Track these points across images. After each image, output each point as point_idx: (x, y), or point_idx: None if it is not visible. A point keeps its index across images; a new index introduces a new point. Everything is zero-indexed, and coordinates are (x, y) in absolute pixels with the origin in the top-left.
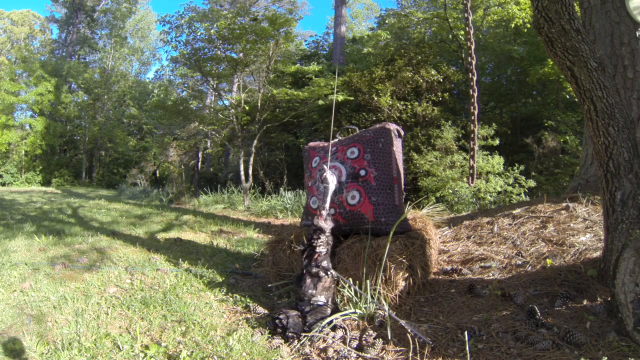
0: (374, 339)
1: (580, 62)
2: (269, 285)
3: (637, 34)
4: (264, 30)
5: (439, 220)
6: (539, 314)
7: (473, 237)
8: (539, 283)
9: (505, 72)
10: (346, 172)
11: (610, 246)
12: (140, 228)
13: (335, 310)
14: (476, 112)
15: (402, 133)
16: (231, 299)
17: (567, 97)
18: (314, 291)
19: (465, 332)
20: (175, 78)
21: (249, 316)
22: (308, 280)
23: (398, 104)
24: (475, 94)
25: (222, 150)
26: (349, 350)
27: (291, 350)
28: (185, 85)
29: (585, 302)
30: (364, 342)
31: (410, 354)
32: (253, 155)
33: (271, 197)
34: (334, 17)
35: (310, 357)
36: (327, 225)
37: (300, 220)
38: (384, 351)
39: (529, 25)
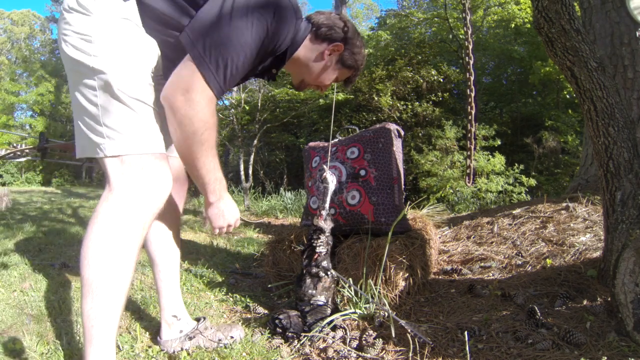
0: (374, 339)
1: (580, 62)
2: (269, 285)
3: (637, 34)
4: None
5: (439, 220)
6: (539, 314)
7: (473, 237)
8: (539, 283)
9: (505, 71)
10: (346, 172)
11: (610, 246)
12: None
13: (335, 310)
14: (474, 112)
15: (402, 133)
16: (231, 299)
17: (568, 97)
18: (314, 291)
19: (465, 332)
20: None
21: (249, 316)
22: (308, 281)
23: (398, 104)
24: (473, 94)
25: (222, 150)
26: (349, 350)
27: (291, 350)
28: None
29: (585, 302)
30: (364, 342)
31: (410, 354)
32: (253, 155)
33: (271, 197)
34: None
35: (310, 357)
36: (327, 225)
37: (300, 220)
38: (384, 351)
39: (529, 25)
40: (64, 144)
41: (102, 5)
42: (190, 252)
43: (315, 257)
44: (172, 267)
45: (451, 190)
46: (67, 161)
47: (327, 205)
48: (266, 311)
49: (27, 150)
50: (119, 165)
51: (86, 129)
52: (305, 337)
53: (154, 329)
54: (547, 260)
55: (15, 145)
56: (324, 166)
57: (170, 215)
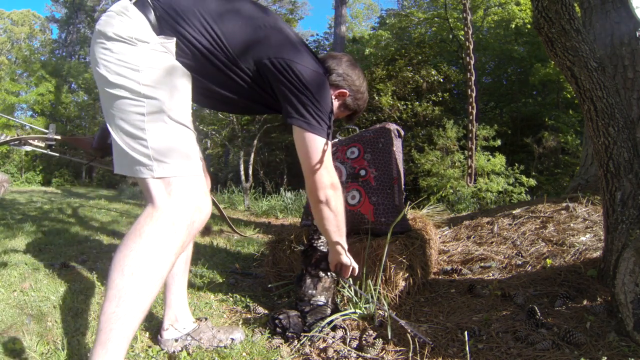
0: (374, 339)
1: (580, 62)
2: (269, 285)
3: (637, 34)
4: None
5: (439, 220)
6: (539, 314)
7: (473, 237)
8: (539, 283)
9: (505, 71)
10: (346, 172)
11: (610, 246)
12: None
13: (335, 310)
14: (474, 112)
15: (402, 133)
16: (231, 299)
17: (569, 96)
18: (314, 291)
19: (465, 332)
20: None
21: (249, 316)
22: (308, 281)
23: (398, 104)
24: (474, 94)
25: (222, 150)
26: (349, 350)
27: (291, 350)
28: None
29: (585, 302)
30: (364, 342)
31: (410, 354)
32: (253, 155)
33: (271, 197)
34: (334, 17)
35: (310, 357)
36: None
37: (300, 220)
38: (384, 351)
39: (529, 26)
40: (75, 139)
41: (145, 37)
42: None
43: (316, 257)
44: (184, 263)
45: (451, 190)
46: (72, 158)
47: None
48: (266, 311)
49: (30, 140)
50: (166, 186)
51: (129, 150)
52: (305, 337)
53: (154, 329)
54: (547, 260)
55: (25, 126)
56: None
57: None
